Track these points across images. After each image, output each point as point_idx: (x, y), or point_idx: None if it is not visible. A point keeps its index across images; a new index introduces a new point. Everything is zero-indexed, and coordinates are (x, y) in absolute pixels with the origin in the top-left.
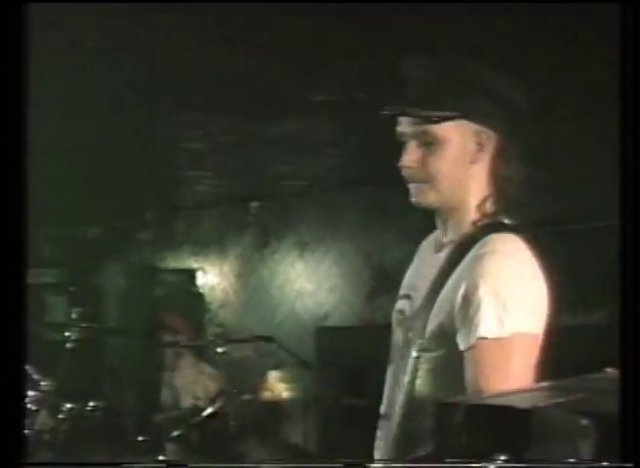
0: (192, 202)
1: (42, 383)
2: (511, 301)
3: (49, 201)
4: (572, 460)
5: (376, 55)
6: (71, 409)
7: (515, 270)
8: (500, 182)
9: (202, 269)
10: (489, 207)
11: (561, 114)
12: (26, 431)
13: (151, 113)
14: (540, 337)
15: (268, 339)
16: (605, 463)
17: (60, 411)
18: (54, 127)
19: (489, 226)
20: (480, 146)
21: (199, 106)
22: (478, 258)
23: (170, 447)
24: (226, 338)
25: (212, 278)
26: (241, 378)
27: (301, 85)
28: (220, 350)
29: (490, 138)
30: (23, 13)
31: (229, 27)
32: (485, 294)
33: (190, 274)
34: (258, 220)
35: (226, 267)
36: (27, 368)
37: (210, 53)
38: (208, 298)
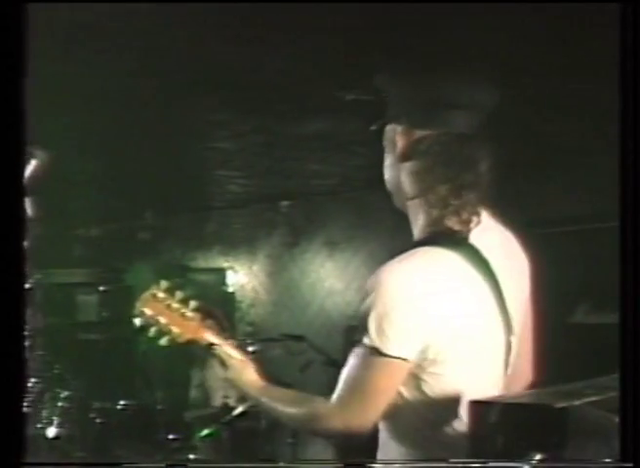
0: (222, 202)
1: (73, 383)
2: (386, 322)
3: (79, 201)
4: (572, 460)
5: (408, 53)
6: (102, 407)
7: (400, 290)
8: (446, 188)
9: (232, 268)
10: (434, 213)
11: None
12: (54, 429)
13: (182, 113)
14: (406, 364)
15: (298, 338)
16: (605, 463)
17: (92, 410)
18: (85, 127)
19: (423, 238)
20: (409, 148)
21: (229, 106)
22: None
23: (200, 445)
24: (257, 337)
25: (242, 277)
26: (271, 377)
27: (332, 84)
28: (250, 349)
29: (427, 140)
30: (23, 12)
31: (259, 26)
32: (370, 305)
33: (221, 273)
34: (287, 220)
35: (256, 266)
36: (27, 368)
37: (240, 52)
38: (238, 297)
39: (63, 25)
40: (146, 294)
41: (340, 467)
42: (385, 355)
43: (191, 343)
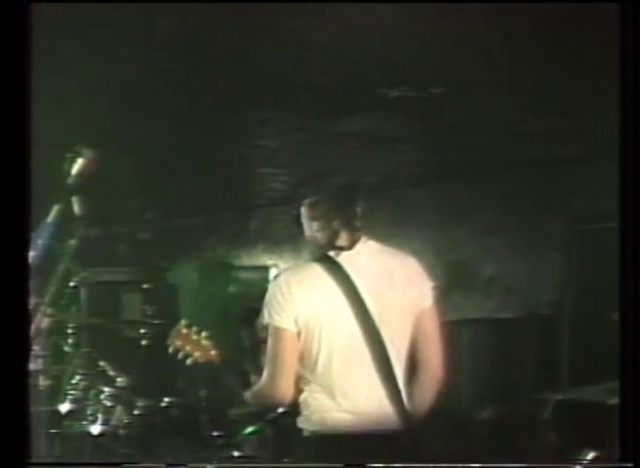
0: (266, 199)
1: (118, 380)
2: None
3: (122, 200)
4: (572, 460)
5: (449, 50)
6: (146, 405)
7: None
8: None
9: (276, 266)
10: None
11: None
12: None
13: (226, 112)
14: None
15: None
16: (605, 463)
17: (136, 408)
18: (130, 126)
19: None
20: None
21: (273, 104)
22: None
23: (245, 443)
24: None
25: None
26: None
27: (375, 81)
28: None
29: None
30: (28, 13)
31: (301, 27)
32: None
33: (264, 271)
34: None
35: (300, 263)
36: (27, 367)
37: (283, 52)
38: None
39: (105, 25)
40: (175, 330)
41: (340, 467)
42: (275, 327)
43: (208, 362)
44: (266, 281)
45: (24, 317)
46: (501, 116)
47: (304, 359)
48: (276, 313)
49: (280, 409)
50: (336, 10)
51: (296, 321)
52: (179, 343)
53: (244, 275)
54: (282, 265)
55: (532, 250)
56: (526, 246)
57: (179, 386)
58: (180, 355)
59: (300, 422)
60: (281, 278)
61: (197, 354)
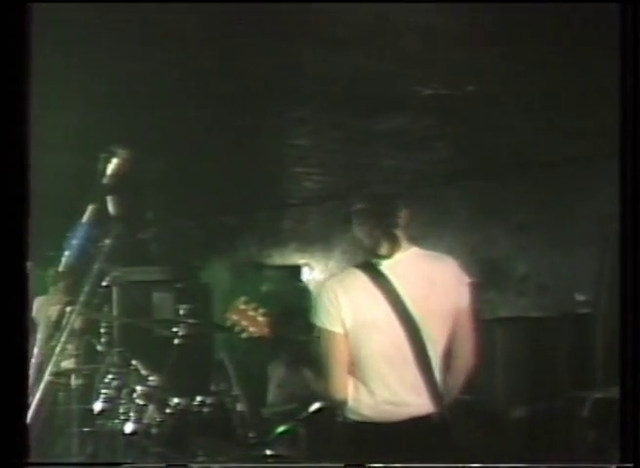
0: (299, 198)
1: (150, 378)
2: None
3: (155, 200)
4: (572, 460)
5: (483, 48)
6: (179, 404)
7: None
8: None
9: (308, 265)
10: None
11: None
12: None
13: (260, 110)
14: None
15: None
16: (605, 463)
17: (168, 406)
18: (162, 126)
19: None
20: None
21: (306, 103)
22: None
23: (277, 442)
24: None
25: (318, 274)
26: None
27: (409, 79)
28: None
29: None
30: (26, 13)
31: (337, 26)
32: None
33: (296, 270)
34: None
35: (332, 263)
36: (26, 366)
37: (317, 50)
38: (314, 294)
39: (139, 24)
40: (233, 305)
41: (340, 467)
42: (324, 329)
43: (261, 338)
44: (298, 280)
45: (23, 316)
46: (536, 114)
47: (352, 358)
48: (325, 317)
49: (313, 408)
50: (369, 7)
51: (343, 324)
52: (235, 318)
53: (276, 274)
54: (314, 265)
55: (566, 248)
56: (560, 244)
57: (211, 385)
58: (236, 329)
59: (347, 412)
60: (327, 285)
61: (252, 329)
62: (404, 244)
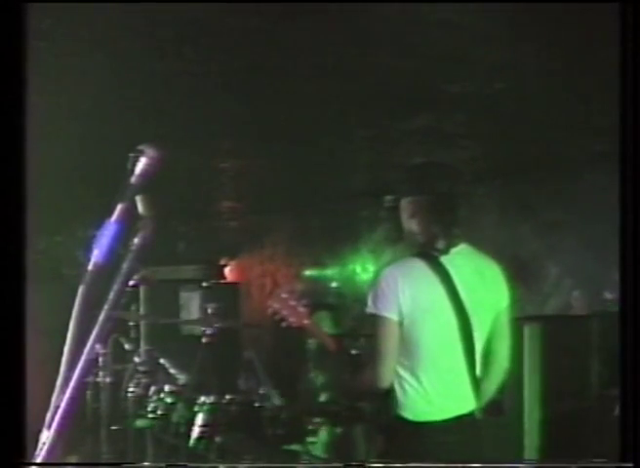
0: (327, 198)
1: (178, 377)
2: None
3: (182, 199)
4: (572, 460)
5: (512, 45)
6: (207, 402)
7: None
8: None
9: (336, 264)
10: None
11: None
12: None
13: (290, 108)
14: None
15: None
16: (605, 463)
17: (197, 405)
18: (190, 123)
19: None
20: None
21: (335, 101)
22: None
23: (305, 440)
24: (361, 332)
25: (345, 272)
26: None
27: (438, 77)
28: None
29: None
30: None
31: (367, 23)
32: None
33: (324, 268)
34: (391, 214)
35: (360, 261)
36: (23, 365)
37: (346, 47)
38: (342, 293)
39: (180, 26)
40: (275, 294)
41: (340, 467)
42: (379, 316)
43: (301, 328)
44: (325, 278)
45: (21, 316)
46: (567, 111)
47: (404, 346)
48: (381, 303)
49: (349, 404)
50: (397, 6)
51: (400, 310)
52: (276, 306)
53: (304, 272)
54: (342, 262)
55: (597, 247)
56: (590, 243)
57: (239, 383)
58: (276, 317)
59: (396, 407)
60: (387, 271)
61: (292, 319)
62: (460, 242)
